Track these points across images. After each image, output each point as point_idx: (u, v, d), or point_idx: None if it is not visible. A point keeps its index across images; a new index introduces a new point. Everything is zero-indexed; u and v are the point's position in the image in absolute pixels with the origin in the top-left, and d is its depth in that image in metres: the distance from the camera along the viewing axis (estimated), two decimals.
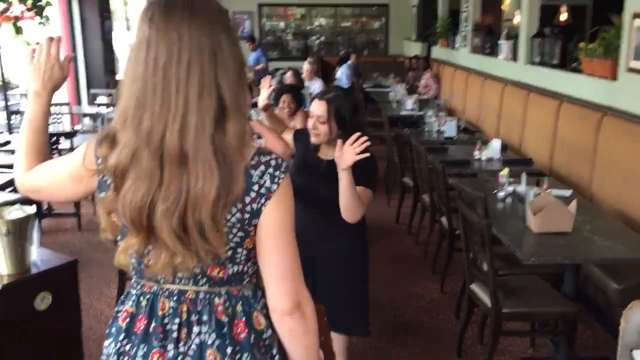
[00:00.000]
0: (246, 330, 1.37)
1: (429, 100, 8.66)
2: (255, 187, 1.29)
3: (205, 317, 1.36)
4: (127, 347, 1.38)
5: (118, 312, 1.44)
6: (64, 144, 5.78)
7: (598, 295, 3.80)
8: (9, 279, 2.49)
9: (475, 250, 3.20)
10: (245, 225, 1.31)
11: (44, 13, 6.42)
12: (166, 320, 1.37)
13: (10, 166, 5.28)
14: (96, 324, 3.79)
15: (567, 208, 3.14)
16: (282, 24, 14.99)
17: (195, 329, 1.36)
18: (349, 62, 10.47)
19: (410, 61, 10.91)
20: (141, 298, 1.40)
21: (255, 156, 1.30)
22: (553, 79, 5.72)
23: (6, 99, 7.33)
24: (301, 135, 2.82)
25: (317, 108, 2.61)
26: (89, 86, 9.37)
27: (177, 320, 1.36)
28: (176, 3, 1.22)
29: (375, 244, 5.12)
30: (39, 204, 4.66)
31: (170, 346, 1.35)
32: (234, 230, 1.30)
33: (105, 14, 9.46)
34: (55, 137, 5.75)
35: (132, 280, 1.44)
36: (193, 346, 1.35)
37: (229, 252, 1.33)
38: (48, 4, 6.50)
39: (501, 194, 3.75)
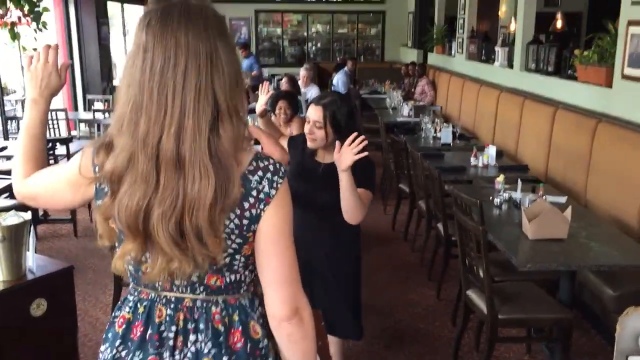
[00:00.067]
0: (242, 340, 1.37)
1: (425, 106, 8.68)
2: (254, 193, 1.29)
3: (201, 326, 1.36)
4: (123, 354, 1.38)
5: (115, 317, 1.44)
6: (60, 149, 5.77)
7: (594, 302, 3.81)
8: (4, 285, 2.49)
9: (471, 257, 3.21)
10: (244, 231, 1.31)
11: (41, 19, 6.41)
12: (162, 328, 1.37)
13: (6, 172, 5.27)
14: (92, 330, 3.78)
15: (562, 215, 3.15)
16: (278, 31, 15.03)
17: (192, 337, 1.36)
18: (345, 69, 10.49)
19: (407, 68, 10.94)
20: (138, 304, 1.40)
21: (253, 161, 1.31)
22: (548, 86, 5.75)
23: (3, 105, 7.32)
24: (296, 141, 2.83)
25: (314, 113, 2.62)
26: (85, 92, 9.37)
27: (173, 328, 1.36)
28: (173, 10, 1.23)
29: (371, 250, 5.12)
30: (34, 210, 4.65)
31: (166, 354, 1.35)
32: (232, 237, 1.30)
33: (102, 19, 9.48)
34: (51, 143, 5.74)
35: (130, 287, 1.44)
36: (189, 354, 1.35)
37: (227, 259, 1.33)
38: (45, 9, 6.50)
39: (497, 201, 3.75)
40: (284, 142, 2.85)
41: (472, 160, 4.96)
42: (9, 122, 7.94)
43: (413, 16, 13.05)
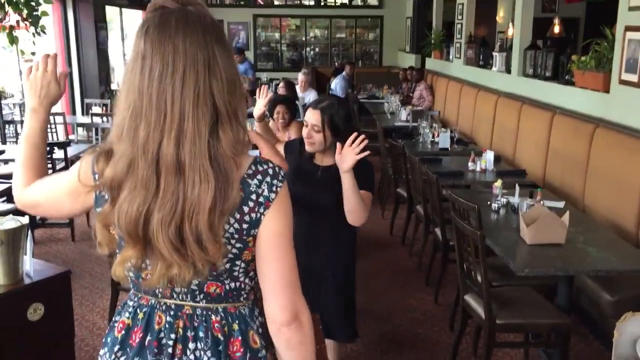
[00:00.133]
0: (242, 350, 1.37)
1: (423, 111, 8.69)
2: (254, 197, 1.29)
3: (201, 334, 1.36)
4: (122, 359, 1.38)
5: (114, 322, 1.44)
6: (58, 153, 5.76)
7: (591, 307, 3.81)
8: (1, 289, 2.48)
9: (469, 262, 3.21)
10: (244, 236, 1.30)
11: (40, 23, 6.41)
12: (162, 335, 1.37)
13: (3, 176, 5.26)
14: (88, 335, 3.77)
15: (560, 220, 3.16)
16: (276, 35, 15.07)
17: (191, 345, 1.35)
18: (343, 73, 10.51)
19: (405, 72, 10.96)
20: (138, 310, 1.40)
21: (252, 165, 1.31)
22: (546, 91, 5.76)
23: (0, 109, 7.31)
24: (292, 145, 2.84)
25: (312, 117, 2.63)
26: (83, 96, 9.36)
27: (172, 336, 1.36)
28: (170, 18, 1.24)
29: (369, 255, 5.12)
30: (32, 214, 4.64)
31: None
32: (232, 241, 1.30)
33: (100, 24, 9.48)
34: (49, 147, 5.72)
35: (130, 292, 1.45)
36: None
37: (227, 265, 1.32)
38: (44, 13, 6.50)
39: (495, 205, 3.76)
40: (280, 148, 2.85)
41: (470, 165, 4.97)
42: (7, 126, 7.93)
43: (411, 21, 13.09)
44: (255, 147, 2.70)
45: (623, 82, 4.29)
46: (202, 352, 1.35)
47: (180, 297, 1.36)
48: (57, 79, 1.53)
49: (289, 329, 1.33)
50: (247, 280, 1.38)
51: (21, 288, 2.53)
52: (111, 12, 10.47)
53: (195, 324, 1.36)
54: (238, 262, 1.33)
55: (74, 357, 2.87)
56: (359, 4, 15.26)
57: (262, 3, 15.12)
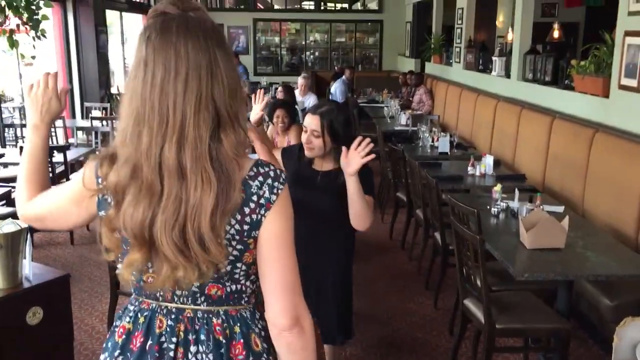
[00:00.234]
0: (244, 353, 1.37)
1: (423, 115, 8.71)
2: (255, 198, 1.29)
3: (202, 337, 1.36)
4: None
5: (115, 327, 1.44)
6: (57, 157, 5.76)
7: (591, 312, 3.81)
8: (0, 293, 2.48)
9: (469, 266, 3.20)
10: (245, 237, 1.31)
11: (40, 27, 6.42)
12: (163, 339, 1.37)
13: (3, 179, 5.27)
14: (87, 339, 3.76)
15: (559, 224, 3.16)
16: (276, 39, 15.08)
17: (192, 349, 1.35)
18: (343, 78, 10.52)
19: (405, 77, 10.97)
20: (139, 315, 1.40)
21: (254, 167, 1.32)
22: (546, 95, 5.77)
23: (0, 112, 7.32)
24: (290, 151, 2.84)
25: (311, 122, 2.63)
26: (83, 100, 9.36)
27: (174, 339, 1.36)
28: (171, 23, 1.25)
29: (368, 259, 5.12)
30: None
31: None
32: (233, 243, 1.30)
33: (100, 28, 9.48)
34: (49, 151, 5.73)
35: (132, 297, 1.45)
36: None
37: (228, 267, 1.32)
38: (44, 17, 6.51)
39: (494, 210, 3.76)
40: (277, 154, 2.85)
41: (470, 170, 4.97)
42: (7, 129, 7.93)
43: (411, 25, 13.11)
44: (254, 150, 2.70)
45: (622, 87, 4.29)
46: (204, 355, 1.35)
47: (181, 301, 1.37)
48: (58, 95, 1.56)
49: (290, 333, 1.33)
50: (248, 283, 1.38)
51: (20, 292, 2.53)
52: (111, 16, 10.47)
53: (197, 327, 1.36)
54: (239, 265, 1.33)
55: None
56: (359, 8, 15.29)
57: (262, 7, 15.15)
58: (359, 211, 2.48)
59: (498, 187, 3.96)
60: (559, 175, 4.98)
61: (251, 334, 1.39)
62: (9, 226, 2.49)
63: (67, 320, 2.79)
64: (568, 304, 3.22)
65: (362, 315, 3.98)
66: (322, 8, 15.01)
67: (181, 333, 1.36)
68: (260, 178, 1.31)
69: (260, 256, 1.34)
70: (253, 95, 3.07)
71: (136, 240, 1.26)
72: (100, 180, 1.33)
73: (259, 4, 15.07)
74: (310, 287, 2.57)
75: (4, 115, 7.95)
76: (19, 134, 8.26)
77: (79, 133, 8.69)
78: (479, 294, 3.07)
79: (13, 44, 6.34)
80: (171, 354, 1.35)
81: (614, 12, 4.46)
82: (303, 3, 15.05)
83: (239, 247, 1.31)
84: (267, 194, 1.30)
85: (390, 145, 5.81)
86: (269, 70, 14.82)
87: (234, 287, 1.36)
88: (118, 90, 10.38)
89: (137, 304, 1.42)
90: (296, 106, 5.84)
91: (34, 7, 6.31)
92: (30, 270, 2.64)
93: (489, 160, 5.01)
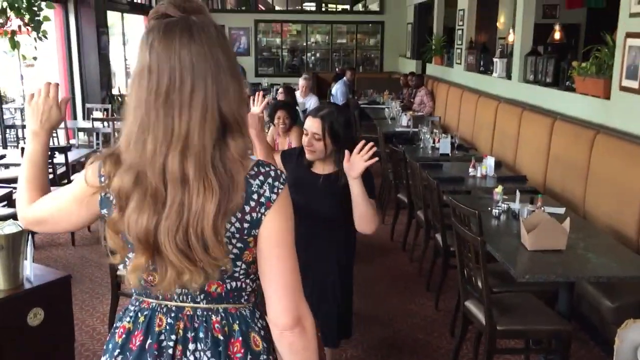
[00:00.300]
0: (242, 351, 1.37)
1: (424, 117, 8.70)
2: (255, 197, 1.30)
3: (201, 335, 1.36)
4: None
5: (116, 328, 1.44)
6: (59, 158, 5.77)
7: (592, 313, 3.80)
8: (1, 294, 2.48)
9: (470, 268, 3.20)
10: (244, 235, 1.31)
11: (41, 28, 6.43)
12: (162, 337, 1.37)
13: (4, 180, 5.27)
14: (88, 340, 3.76)
15: (560, 226, 3.16)
16: (277, 40, 15.09)
17: (191, 347, 1.36)
18: (344, 79, 10.52)
19: (406, 78, 10.97)
20: (139, 314, 1.41)
21: (254, 167, 1.32)
22: (547, 97, 5.76)
23: (1, 113, 7.33)
24: (290, 155, 2.84)
25: (312, 125, 2.63)
26: (84, 101, 9.37)
27: (173, 337, 1.36)
28: (174, 29, 1.24)
29: (369, 260, 5.12)
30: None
31: None
32: (233, 241, 1.31)
33: (102, 29, 9.49)
34: (50, 152, 5.74)
35: (133, 297, 1.45)
36: None
37: (228, 265, 1.33)
38: (46, 18, 6.52)
39: (495, 211, 3.75)
40: (277, 158, 2.85)
41: (471, 171, 4.97)
42: (8, 130, 7.94)
43: (412, 27, 13.11)
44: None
45: (623, 89, 4.29)
46: (202, 353, 1.35)
47: (181, 299, 1.37)
48: (59, 104, 1.56)
49: (292, 333, 1.33)
50: (248, 281, 1.39)
51: (21, 293, 2.53)
52: (113, 17, 10.48)
53: (196, 325, 1.37)
54: (239, 263, 1.34)
55: None
56: (360, 9, 15.30)
57: (263, 8, 15.16)
58: (363, 213, 2.48)
59: (499, 189, 3.96)
60: (560, 177, 4.98)
61: (250, 333, 1.39)
62: (10, 227, 2.49)
63: (68, 321, 2.80)
64: (569, 306, 3.22)
65: (363, 317, 3.97)
66: (323, 9, 15.02)
67: (180, 331, 1.37)
68: (261, 177, 1.31)
69: (260, 255, 1.34)
70: (253, 97, 3.07)
71: (140, 245, 1.26)
72: (103, 178, 1.33)
73: (260, 5, 15.09)
74: (310, 287, 2.58)
75: (5, 116, 7.97)
76: (20, 135, 8.27)
77: (80, 134, 8.71)
78: (480, 296, 3.06)
79: (15, 45, 6.36)
80: (170, 351, 1.35)
81: (615, 13, 4.46)
82: (304, 4, 15.06)
83: (239, 245, 1.32)
84: (267, 193, 1.31)
85: (391, 147, 5.81)
86: (270, 72, 14.83)
87: (234, 284, 1.36)
88: (119, 91, 10.39)
89: (137, 304, 1.43)
90: (297, 107, 5.84)
91: (35, 9, 6.33)
92: (31, 271, 2.64)
93: (490, 161, 5.00)
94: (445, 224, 4.08)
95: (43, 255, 5.21)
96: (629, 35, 4.23)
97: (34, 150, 1.54)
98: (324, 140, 2.61)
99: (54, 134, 7.59)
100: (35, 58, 6.95)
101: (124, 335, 1.40)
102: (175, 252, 1.24)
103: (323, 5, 15.02)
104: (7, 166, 5.79)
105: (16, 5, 6.13)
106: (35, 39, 6.45)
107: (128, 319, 1.42)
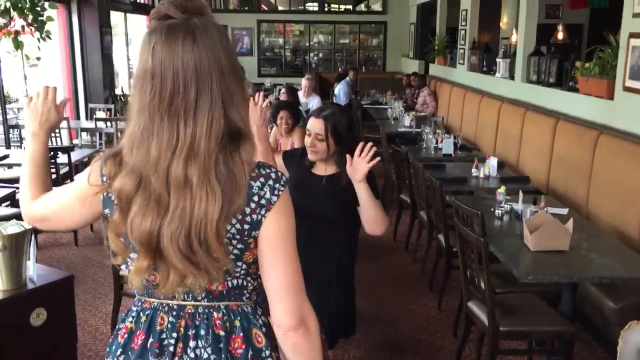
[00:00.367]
0: (244, 347, 1.37)
1: (427, 117, 8.70)
2: (255, 198, 1.30)
3: (202, 332, 1.36)
4: None
5: (118, 329, 1.45)
6: (61, 158, 5.77)
7: (595, 314, 3.79)
8: (4, 294, 2.48)
9: (473, 268, 3.20)
10: (245, 237, 1.31)
11: (45, 28, 6.44)
12: (164, 335, 1.37)
13: (7, 181, 5.28)
14: (91, 340, 3.76)
15: (563, 226, 3.15)
16: (280, 41, 15.10)
17: (192, 344, 1.36)
18: (347, 79, 10.52)
19: (408, 78, 10.97)
20: (141, 314, 1.41)
21: (255, 169, 1.32)
22: (550, 97, 5.76)
23: (5, 113, 7.33)
24: (291, 156, 2.84)
25: (315, 126, 2.63)
26: (87, 101, 9.38)
27: (174, 335, 1.37)
28: (177, 32, 1.23)
29: (372, 260, 5.11)
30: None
31: None
32: (234, 242, 1.31)
33: (105, 29, 9.50)
34: (53, 152, 5.74)
35: (135, 298, 1.46)
36: None
37: (229, 265, 1.33)
38: (49, 18, 6.52)
39: (498, 212, 3.75)
40: (278, 159, 2.85)
41: (474, 171, 4.96)
42: (11, 130, 7.95)
43: (414, 27, 13.11)
44: None
45: (627, 89, 4.28)
46: (202, 350, 1.35)
47: (182, 297, 1.37)
48: (57, 106, 1.58)
49: (296, 334, 1.33)
50: (248, 279, 1.39)
51: (24, 293, 2.53)
52: (116, 17, 10.49)
53: (197, 322, 1.37)
54: (239, 263, 1.34)
55: None
56: (363, 9, 15.30)
57: (266, 9, 15.16)
58: (372, 215, 2.47)
59: (502, 189, 3.95)
60: (563, 177, 4.97)
61: (252, 329, 1.39)
62: (13, 227, 2.49)
63: (70, 321, 2.80)
64: (572, 307, 3.21)
65: (366, 317, 3.97)
66: (326, 9, 15.02)
67: (181, 329, 1.37)
68: (262, 179, 1.31)
69: (262, 257, 1.34)
70: (254, 98, 3.06)
71: (143, 248, 1.26)
72: (105, 178, 1.33)
73: (263, 5, 15.09)
74: (312, 288, 2.58)
75: (8, 116, 7.97)
76: (23, 134, 8.27)
77: (83, 134, 8.71)
78: (483, 296, 3.06)
79: (18, 45, 6.36)
80: (171, 349, 1.36)
81: (618, 13, 4.45)
82: (307, 4, 15.07)
83: (239, 246, 1.32)
84: (267, 195, 1.31)
85: (394, 147, 5.80)
86: (272, 72, 14.83)
87: (235, 282, 1.37)
88: (122, 91, 10.40)
89: (139, 304, 1.43)
90: (300, 107, 5.84)
91: (38, 9, 6.33)
92: (34, 271, 2.64)
93: (493, 162, 5.00)
94: (448, 224, 4.07)
95: (46, 255, 5.21)
96: (633, 35, 4.22)
97: (34, 149, 1.55)
98: (327, 140, 2.60)
99: (57, 134, 7.60)
100: (38, 58, 6.97)
101: (126, 336, 1.41)
102: (178, 256, 1.24)
103: (326, 5, 15.02)
104: (10, 166, 5.79)
105: (19, 5, 6.14)
106: (38, 39, 6.45)
107: (130, 319, 1.42)
